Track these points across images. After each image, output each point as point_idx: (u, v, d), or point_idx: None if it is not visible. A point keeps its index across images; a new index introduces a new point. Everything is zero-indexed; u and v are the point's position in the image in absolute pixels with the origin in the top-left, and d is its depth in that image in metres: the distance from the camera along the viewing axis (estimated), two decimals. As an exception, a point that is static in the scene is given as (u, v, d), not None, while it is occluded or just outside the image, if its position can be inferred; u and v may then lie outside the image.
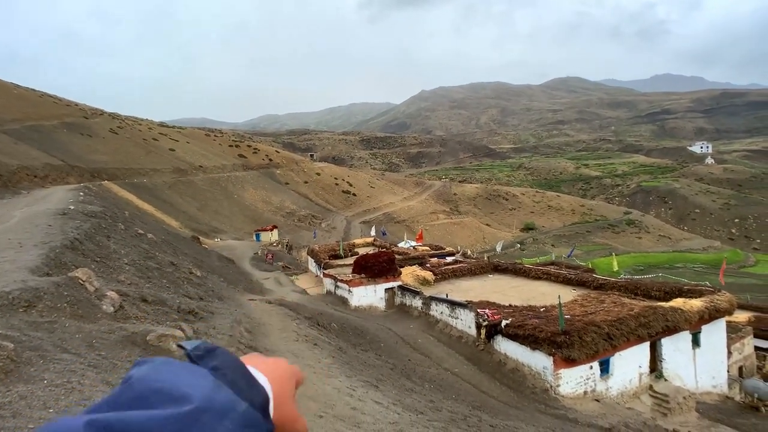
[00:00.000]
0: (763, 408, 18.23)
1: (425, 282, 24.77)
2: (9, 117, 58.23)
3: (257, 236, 55.23)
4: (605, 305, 17.75)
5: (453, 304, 19.36)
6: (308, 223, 76.53)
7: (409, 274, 25.02)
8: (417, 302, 21.86)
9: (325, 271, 27.01)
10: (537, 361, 14.96)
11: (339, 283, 23.96)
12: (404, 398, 7.92)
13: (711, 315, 18.11)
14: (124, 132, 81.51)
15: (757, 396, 18.64)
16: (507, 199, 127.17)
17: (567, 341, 14.30)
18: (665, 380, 16.91)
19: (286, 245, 50.25)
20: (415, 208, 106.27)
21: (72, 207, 14.20)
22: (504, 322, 16.28)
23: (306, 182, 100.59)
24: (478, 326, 17.48)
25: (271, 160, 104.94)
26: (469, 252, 63.78)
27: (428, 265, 29.36)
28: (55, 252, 7.25)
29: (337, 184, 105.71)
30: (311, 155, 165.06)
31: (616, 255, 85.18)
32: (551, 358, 14.43)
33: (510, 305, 18.97)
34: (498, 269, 28.88)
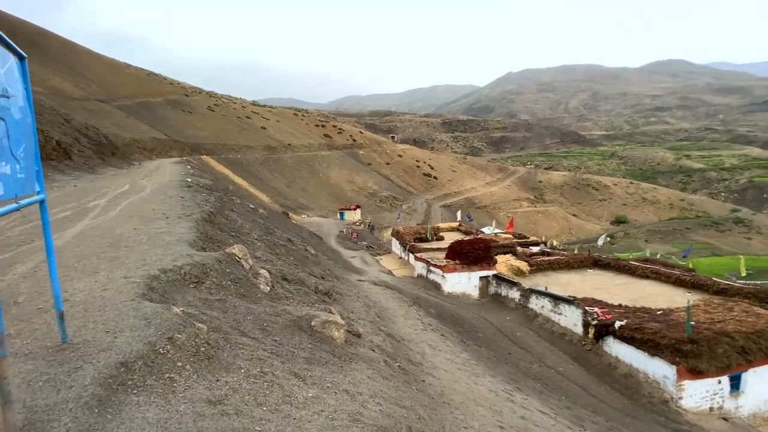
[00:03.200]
0: None
1: (520, 273, 23.75)
2: (122, 93, 63.74)
3: (341, 215, 56.46)
4: (735, 314, 15.81)
5: (556, 299, 18.29)
6: (390, 205, 77.05)
7: (503, 264, 24.11)
8: (514, 294, 20.96)
9: (417, 255, 26.78)
10: (656, 368, 13.66)
11: (432, 268, 23.63)
12: (551, 404, 7.41)
13: None
14: (219, 110, 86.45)
15: None
16: (597, 189, 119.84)
17: (695, 350, 12.88)
18: (806, 405, 14.81)
19: (369, 225, 50.88)
20: (497, 194, 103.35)
21: (189, 180, 15.02)
22: (618, 323, 15.03)
23: (388, 164, 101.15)
24: (586, 325, 16.35)
25: (354, 140, 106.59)
26: (555, 243, 60.90)
27: (522, 255, 28.17)
28: (200, 225, 7.51)
29: (418, 167, 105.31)
30: (393, 137, 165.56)
31: (716, 256, 77.67)
32: (674, 367, 13.09)
33: (620, 305, 17.56)
34: (598, 264, 26.96)
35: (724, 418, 13.33)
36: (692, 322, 13.73)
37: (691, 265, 38.73)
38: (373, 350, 5.17)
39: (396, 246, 35.45)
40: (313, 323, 4.59)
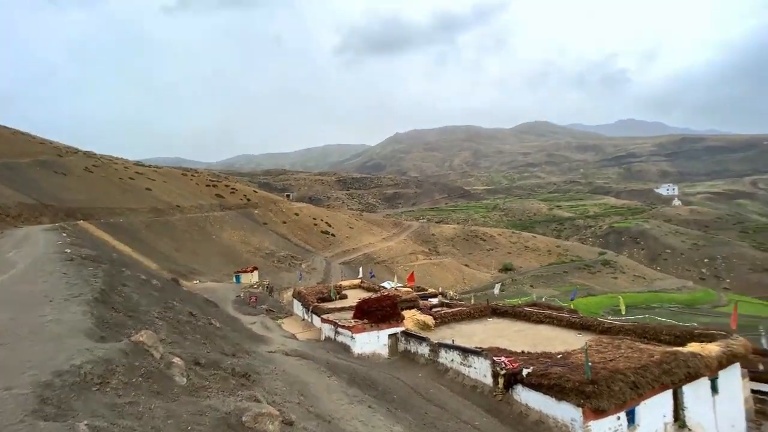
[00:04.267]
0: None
1: (426, 327, 23.95)
2: (-22, 154, 55.94)
3: (237, 278, 53.44)
4: (623, 351, 17.29)
5: (465, 351, 18.57)
6: (288, 264, 74.90)
7: (410, 319, 24.19)
8: (424, 349, 20.97)
9: (323, 316, 25.90)
10: (564, 412, 14.23)
11: (340, 329, 22.89)
12: None
13: (728, 360, 17.87)
14: (99, 171, 79.34)
15: (774, 443, 18.29)
16: (484, 240, 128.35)
17: (596, 391, 13.68)
18: (689, 430, 16.38)
19: (267, 287, 48.63)
20: (394, 248, 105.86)
21: (68, 250, 13.11)
22: (525, 371, 15.58)
23: (285, 222, 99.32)
24: (495, 375, 16.72)
25: (248, 200, 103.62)
26: (451, 293, 63.33)
27: (425, 308, 28.64)
28: (94, 308, 6.36)
29: (315, 225, 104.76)
30: (288, 195, 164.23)
31: (591, 296, 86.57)
32: (580, 409, 13.74)
33: (523, 352, 18.33)
34: (497, 312, 28.29)
35: (626, 454, 14.18)
36: (590, 363, 14.71)
37: (572, 306, 42.42)
38: (309, 439, 4.62)
39: (298, 307, 34.12)
40: (244, 418, 3.97)
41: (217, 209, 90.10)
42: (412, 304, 29.84)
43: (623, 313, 43.28)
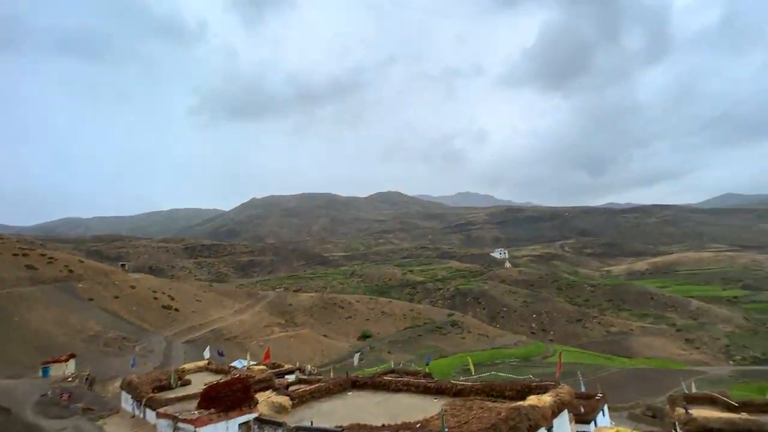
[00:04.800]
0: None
1: (282, 409, 22.04)
2: None
3: (45, 371, 44.20)
4: (474, 412, 17.79)
5: (324, 433, 17.28)
6: (118, 347, 64.79)
7: (264, 402, 22.07)
8: (280, 436, 19.01)
9: (161, 410, 22.10)
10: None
11: (181, 424, 19.65)
12: None
13: (559, 408, 19.52)
14: None
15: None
16: (343, 308, 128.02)
17: (454, 460, 13.59)
18: (535, 484, 17.07)
19: (87, 379, 40.86)
20: (247, 321, 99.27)
21: None
22: (386, 448, 14.91)
23: (117, 297, 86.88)
24: (356, 456, 15.71)
25: (71, 271, 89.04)
26: (309, 367, 60.55)
27: (281, 387, 26.61)
28: None
29: (155, 298, 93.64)
30: (123, 265, 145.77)
31: (443, 357, 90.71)
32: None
33: (383, 425, 17.72)
34: (356, 385, 27.46)
35: None
36: (447, 429, 14.67)
37: (428, 370, 43.47)
38: None
39: (127, 401, 28.97)
40: None
41: (27, 284, 75.50)
42: (267, 384, 27.52)
43: (472, 372, 45.53)
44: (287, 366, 45.60)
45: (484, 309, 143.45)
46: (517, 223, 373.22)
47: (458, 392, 23.30)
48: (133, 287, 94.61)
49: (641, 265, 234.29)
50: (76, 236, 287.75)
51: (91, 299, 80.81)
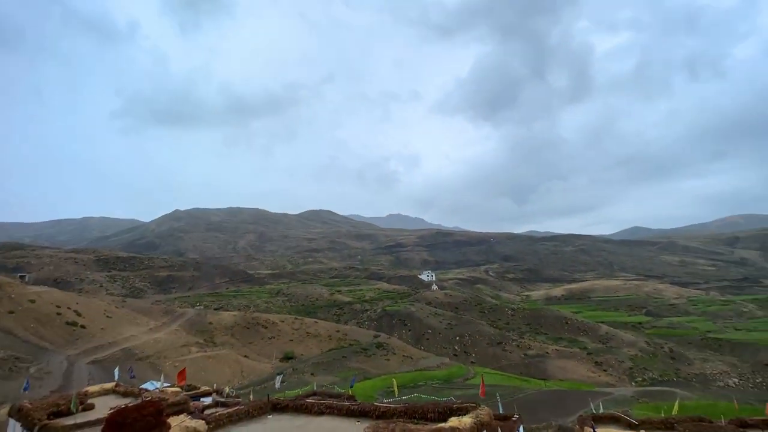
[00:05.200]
0: None
1: (195, 435, 20.73)
2: None
3: None
4: (398, 436, 17.74)
5: (240, 461, 16.41)
6: (8, 369, 58.11)
7: (177, 427, 20.60)
8: (191, 465, 17.79)
9: (54, 440, 19.94)
10: None
11: (77, 455, 17.83)
12: None
13: (478, 429, 20.01)
14: None
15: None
16: (266, 327, 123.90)
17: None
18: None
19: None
20: (163, 340, 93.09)
21: None
22: (306, 475, 14.44)
23: (11, 312, 78.28)
24: (273, 485, 15.04)
25: (-43, 283, 79.30)
26: (227, 390, 57.73)
27: (197, 410, 25.07)
28: None
29: (59, 314, 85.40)
30: (23, 276, 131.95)
31: (367, 379, 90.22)
32: None
33: (303, 451, 17.18)
34: (277, 408, 26.49)
35: None
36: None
37: (351, 392, 43.03)
38: None
39: (15, 431, 25.88)
40: None
41: None
42: (181, 407, 25.73)
43: (396, 395, 45.54)
44: (204, 388, 43.18)
45: (409, 331, 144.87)
46: (445, 246, 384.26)
47: (381, 414, 23.20)
48: (32, 301, 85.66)
49: (558, 290, 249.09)
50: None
51: (-22, 314, 72.19)
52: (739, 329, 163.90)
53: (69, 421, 23.80)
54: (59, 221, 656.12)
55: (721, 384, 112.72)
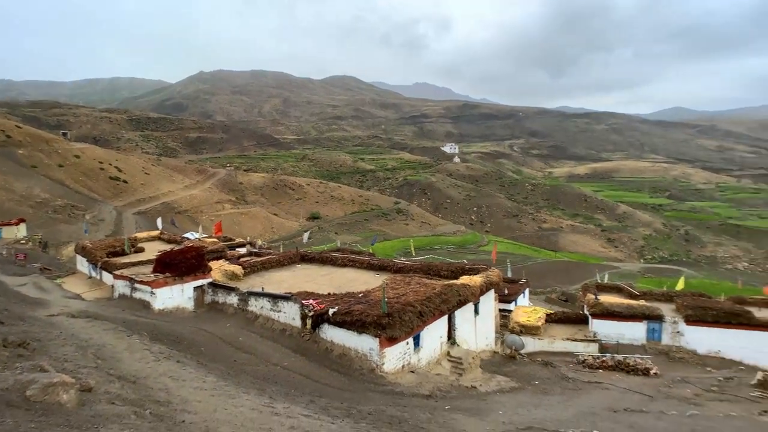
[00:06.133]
0: (517, 356, 23.43)
1: (235, 277, 23.66)
2: None
3: (-4, 232, 43.64)
4: (412, 287, 20.01)
5: (275, 298, 19.07)
6: (68, 215, 63.77)
7: (217, 270, 23.52)
8: (232, 299, 20.74)
9: (116, 273, 23.16)
10: (364, 343, 16.04)
11: (138, 285, 20.87)
12: (301, 402, 7.67)
13: (487, 287, 22.32)
14: None
15: (513, 348, 23.84)
16: (293, 189, 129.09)
17: (390, 322, 15.72)
18: (458, 345, 20.18)
19: (40, 242, 40.93)
20: (198, 197, 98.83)
21: None
22: (331, 311, 16.88)
23: (61, 166, 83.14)
24: (304, 317, 17.69)
25: (9, 136, 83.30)
26: (260, 242, 62.86)
27: (233, 258, 28.14)
28: None
29: (102, 169, 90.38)
30: (65, 134, 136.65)
31: (387, 240, 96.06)
32: (377, 339, 15.66)
33: (329, 293, 19.68)
34: (305, 259, 29.42)
35: (412, 371, 16.82)
36: (386, 299, 16.70)
37: (372, 250, 46.66)
38: (114, 403, 4.38)
39: (83, 264, 29.78)
40: (29, 392, 3.50)
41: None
42: (219, 254, 28.90)
43: (413, 254, 49.06)
44: (239, 240, 47.27)
45: (429, 199, 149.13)
46: (471, 119, 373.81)
47: (399, 270, 25.68)
48: (77, 156, 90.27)
49: (582, 169, 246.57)
50: (9, 99, 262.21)
51: (34, 166, 77.08)
52: (764, 217, 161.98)
53: (125, 259, 27.19)
54: (91, 81, 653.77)
55: (730, 267, 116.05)
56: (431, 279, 22.44)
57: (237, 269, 24.12)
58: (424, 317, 17.27)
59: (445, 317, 19.29)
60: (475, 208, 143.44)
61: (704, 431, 12.10)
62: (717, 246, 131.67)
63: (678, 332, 29.05)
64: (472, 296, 20.79)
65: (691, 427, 12.36)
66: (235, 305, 20.60)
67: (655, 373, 22.60)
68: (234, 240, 45.94)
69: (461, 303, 20.01)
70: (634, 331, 29.51)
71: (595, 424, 12.48)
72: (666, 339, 29.22)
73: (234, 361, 14.97)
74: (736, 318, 27.70)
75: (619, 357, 24.57)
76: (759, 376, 19.73)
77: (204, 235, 42.57)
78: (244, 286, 21.99)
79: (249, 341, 17.59)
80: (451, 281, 21.16)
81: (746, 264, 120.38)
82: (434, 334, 18.49)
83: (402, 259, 39.63)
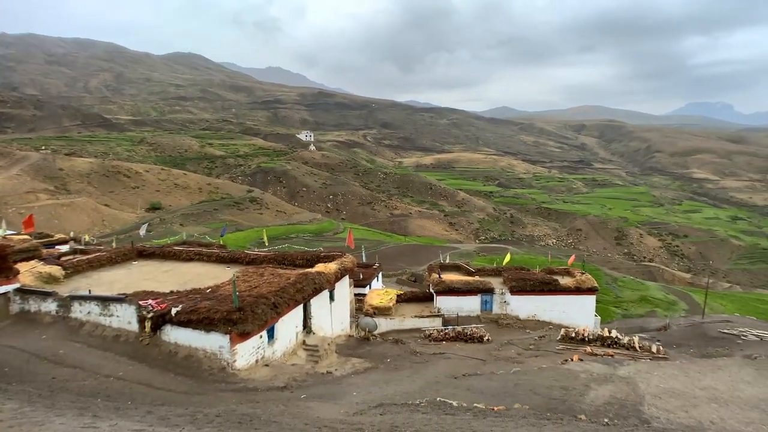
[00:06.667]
0: (371, 337, 24.44)
1: (52, 279, 20.31)
2: None
3: None
4: (266, 278, 19.40)
5: (104, 300, 16.77)
6: None
7: (28, 272, 19.93)
8: (50, 306, 17.66)
9: None
10: (213, 342, 15.04)
11: None
12: (134, 416, 6.69)
13: (342, 274, 22.72)
14: None
15: (367, 329, 24.79)
16: (129, 177, 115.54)
17: (242, 317, 15.00)
18: (313, 333, 20.22)
19: None
20: (3, 186, 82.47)
21: None
22: (174, 310, 15.44)
23: None
24: (142, 319, 15.90)
25: None
26: (87, 238, 55.10)
27: (51, 257, 24.18)
28: None
29: None
30: None
31: (239, 231, 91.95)
32: (228, 335, 14.82)
33: (171, 291, 18.03)
34: (143, 254, 26.60)
35: (266, 365, 16.36)
36: (237, 293, 15.91)
37: (222, 242, 44.11)
38: None
39: None
40: None
41: None
42: (31, 254, 24.49)
43: (266, 244, 47.75)
44: (59, 236, 40.92)
45: (284, 188, 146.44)
46: (326, 107, 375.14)
47: (251, 261, 24.73)
48: None
49: (428, 159, 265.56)
50: None
51: None
52: (566, 202, 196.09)
53: None
54: None
55: (543, 244, 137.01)
56: (286, 269, 22.04)
57: (55, 270, 20.72)
58: (279, 308, 16.90)
59: (300, 306, 19.15)
60: (331, 196, 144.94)
61: (523, 383, 13.90)
62: (534, 226, 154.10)
63: (505, 302, 33.50)
64: (328, 283, 20.99)
65: (514, 382, 14.26)
66: (53, 313, 17.64)
67: (488, 340, 25.63)
68: (53, 237, 39.68)
69: (316, 291, 20.06)
70: (471, 304, 33.17)
71: (439, 391, 13.60)
72: (496, 308, 33.47)
73: (52, 379, 12.87)
74: (546, 286, 33.03)
75: (459, 328, 27.30)
76: (562, 332, 23.75)
77: (10, 232, 35.73)
78: (65, 289, 18.98)
79: (73, 353, 15.26)
80: (306, 270, 21.07)
81: (554, 240, 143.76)
82: (289, 324, 18.23)
83: (255, 249, 38.25)
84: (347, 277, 24.70)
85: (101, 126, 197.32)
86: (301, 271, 20.82)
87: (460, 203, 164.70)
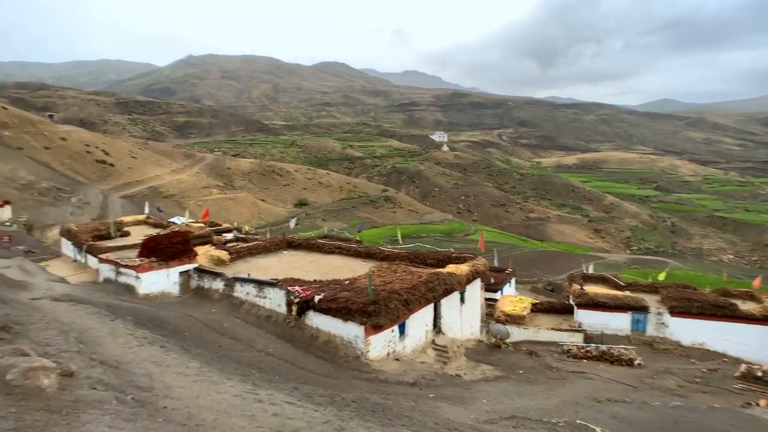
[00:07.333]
0: (502, 345, 23.71)
1: (221, 262, 23.51)
2: None
3: (-21, 216, 42.80)
4: (398, 275, 20.05)
5: (260, 284, 18.99)
6: (54, 198, 62.78)
7: (203, 255, 23.36)
8: (218, 284, 20.61)
9: (101, 256, 22.89)
10: (349, 330, 16.07)
11: (123, 269, 20.64)
12: (284, 389, 7.67)
13: (473, 276, 22.46)
14: None
15: (498, 337, 24.11)
16: (281, 175, 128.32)
17: (376, 310, 15.76)
18: (443, 334, 20.34)
19: (25, 225, 40.29)
20: (186, 181, 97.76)
21: None
22: (317, 297, 16.87)
23: (47, 148, 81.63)
24: (289, 303, 17.65)
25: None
26: (247, 228, 62.60)
27: (219, 243, 27.98)
28: None
29: (89, 152, 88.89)
30: (51, 115, 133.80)
31: (374, 227, 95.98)
32: (363, 326, 15.70)
33: (315, 280, 19.64)
34: (292, 245, 29.33)
35: (397, 359, 16.93)
36: (372, 287, 16.73)
37: (359, 237, 46.59)
38: (95, 388, 4.33)
39: (68, 247, 29.38)
40: (9, 377, 3.45)
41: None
42: (205, 239, 28.70)
43: (400, 242, 49.06)
44: (225, 225, 46.99)
45: (417, 188, 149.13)
46: (460, 107, 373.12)
47: (385, 257, 25.70)
48: (63, 139, 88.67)
49: (570, 159, 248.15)
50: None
51: (20, 148, 75.70)
52: (750, 210, 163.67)
53: (110, 243, 26.86)
54: (77, 63, 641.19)
55: (715, 259, 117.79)
56: (418, 267, 22.50)
57: (223, 255, 23.97)
58: (410, 305, 17.34)
59: (431, 305, 19.40)
60: (462, 197, 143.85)
61: (688, 422, 12.07)
62: (703, 238, 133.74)
63: (662, 323, 29.34)
64: (458, 285, 20.91)
65: (674, 418, 12.41)
66: (221, 291, 20.50)
67: (639, 364, 22.95)
68: (221, 225, 45.66)
69: (447, 291, 20.12)
70: (619, 322, 29.81)
71: (578, 413, 12.54)
72: (650, 330, 29.53)
73: (218, 347, 14.92)
74: (720, 310, 27.88)
75: (604, 347, 24.90)
76: (742, 368, 20.03)
77: (191, 220, 42.25)
78: (230, 271, 21.87)
79: (234, 327, 17.54)
80: (438, 270, 21.24)
81: (731, 257, 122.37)
82: (420, 322, 18.59)
83: (389, 246, 39.63)
84: (479, 280, 24.30)
85: (261, 131, 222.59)
86: (432, 270, 21.06)
87: (608, 208, 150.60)
